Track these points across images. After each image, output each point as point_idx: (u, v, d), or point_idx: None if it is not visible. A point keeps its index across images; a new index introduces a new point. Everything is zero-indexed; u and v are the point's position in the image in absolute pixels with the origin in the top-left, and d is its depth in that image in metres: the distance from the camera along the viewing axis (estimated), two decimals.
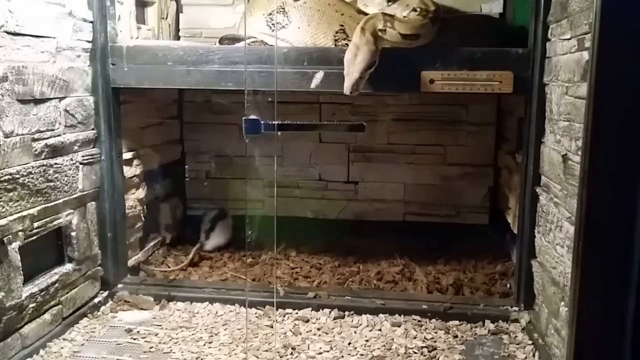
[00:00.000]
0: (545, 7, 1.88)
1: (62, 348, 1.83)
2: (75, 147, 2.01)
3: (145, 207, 2.52)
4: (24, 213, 1.74)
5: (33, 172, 1.78)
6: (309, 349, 1.85)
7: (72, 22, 1.97)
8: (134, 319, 2.04)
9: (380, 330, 1.98)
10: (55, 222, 1.90)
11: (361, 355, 1.82)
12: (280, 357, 1.80)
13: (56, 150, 1.90)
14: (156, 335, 1.93)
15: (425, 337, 1.92)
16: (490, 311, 2.07)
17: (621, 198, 1.15)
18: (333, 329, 1.98)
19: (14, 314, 1.69)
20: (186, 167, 3.03)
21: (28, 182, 1.75)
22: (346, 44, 1.98)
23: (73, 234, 2.00)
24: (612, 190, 1.16)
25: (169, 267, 2.49)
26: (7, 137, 1.66)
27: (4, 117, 1.64)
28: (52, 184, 1.88)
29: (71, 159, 1.99)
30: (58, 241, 1.98)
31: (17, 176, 1.70)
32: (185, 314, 2.09)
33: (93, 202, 2.13)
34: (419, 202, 2.94)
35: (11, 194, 1.68)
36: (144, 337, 1.91)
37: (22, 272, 1.72)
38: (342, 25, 2.08)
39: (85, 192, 2.08)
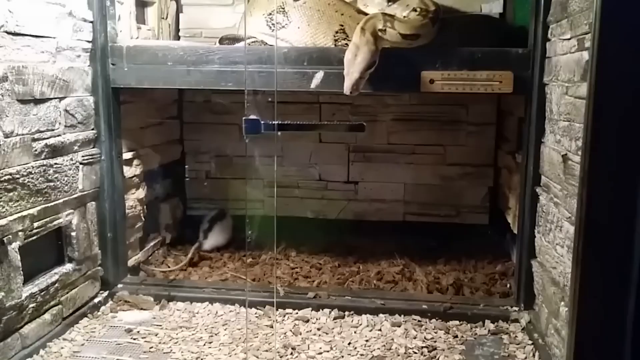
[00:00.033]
0: (545, 7, 1.88)
1: (62, 348, 1.83)
2: (75, 147, 2.01)
3: (145, 207, 2.52)
4: (24, 213, 1.74)
5: (33, 172, 1.78)
6: (309, 349, 1.85)
7: (72, 22, 1.97)
8: (134, 319, 2.04)
9: (380, 330, 1.98)
10: (55, 222, 1.90)
11: (361, 355, 1.82)
12: (280, 357, 1.80)
13: (56, 150, 1.90)
14: (156, 335, 1.93)
15: (425, 337, 1.92)
16: (490, 311, 2.07)
17: (621, 198, 1.15)
18: (333, 329, 1.98)
19: (14, 314, 1.69)
20: (186, 167, 3.03)
21: (28, 182, 1.75)
22: (346, 44, 1.98)
23: (73, 234, 2.00)
24: (612, 190, 1.16)
25: (169, 267, 2.49)
26: (7, 137, 1.66)
27: (4, 117, 1.64)
28: (52, 184, 1.88)
29: (71, 159, 1.99)
30: (58, 241, 1.98)
31: (17, 176, 1.70)
32: (185, 314, 2.09)
33: (93, 202, 2.13)
34: (419, 202, 2.94)
35: (11, 194, 1.68)
36: (144, 337, 1.91)
37: (22, 272, 1.72)
38: (342, 25, 2.08)
39: (85, 192, 2.08)
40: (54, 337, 1.87)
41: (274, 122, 1.81)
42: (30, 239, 1.77)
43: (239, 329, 1.97)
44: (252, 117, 1.80)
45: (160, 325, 2.00)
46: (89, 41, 2.07)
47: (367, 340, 1.91)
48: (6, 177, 1.65)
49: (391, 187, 2.94)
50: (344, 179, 2.97)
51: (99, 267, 2.17)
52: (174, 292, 2.21)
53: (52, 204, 1.88)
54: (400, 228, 2.91)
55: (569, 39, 1.67)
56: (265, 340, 1.89)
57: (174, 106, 2.94)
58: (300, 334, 1.94)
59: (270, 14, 2.19)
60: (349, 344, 1.89)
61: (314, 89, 2.03)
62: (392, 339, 1.91)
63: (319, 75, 2.01)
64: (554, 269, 1.76)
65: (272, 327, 1.99)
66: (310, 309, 2.11)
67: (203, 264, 2.54)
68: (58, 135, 1.91)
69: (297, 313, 2.09)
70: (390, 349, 1.86)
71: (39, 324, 1.81)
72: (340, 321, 2.04)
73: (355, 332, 1.97)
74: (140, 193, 2.47)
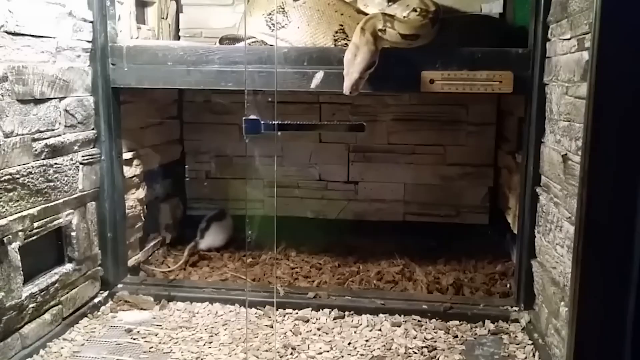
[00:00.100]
0: (545, 7, 1.88)
1: (62, 348, 1.83)
2: (75, 147, 2.01)
3: (145, 207, 2.52)
4: (24, 213, 1.74)
5: (33, 172, 1.78)
6: (309, 349, 1.85)
7: (72, 22, 1.97)
8: (134, 319, 2.04)
9: (380, 330, 1.98)
10: (55, 222, 1.90)
11: (361, 355, 1.82)
12: (280, 357, 1.80)
13: (56, 150, 1.90)
14: (156, 335, 1.93)
15: (425, 337, 1.92)
16: (490, 311, 2.07)
17: (621, 198, 1.15)
18: (333, 329, 1.98)
19: (14, 314, 1.69)
20: (186, 167, 3.03)
21: (28, 182, 1.75)
22: (346, 44, 1.98)
23: (73, 234, 2.00)
24: (612, 190, 1.16)
25: (169, 267, 2.49)
26: (7, 137, 1.66)
27: (4, 117, 1.64)
28: (52, 184, 1.88)
29: (71, 159, 1.99)
30: (58, 241, 1.98)
31: (17, 176, 1.70)
32: (185, 314, 2.09)
33: (93, 202, 2.13)
34: (419, 202, 2.94)
35: (11, 194, 1.68)
36: (144, 337, 1.91)
37: (22, 272, 1.72)
38: (342, 25, 2.08)
39: (85, 192, 2.08)
40: (54, 337, 1.87)
41: (274, 122, 1.81)
42: (30, 239, 1.77)
43: (239, 329, 1.97)
44: (252, 117, 1.80)
45: (160, 325, 2.00)
46: (89, 41, 2.07)
47: (367, 340, 1.91)
48: (6, 177, 1.65)
49: (391, 187, 2.94)
50: (344, 179, 2.97)
51: (99, 267, 2.17)
52: (174, 292, 2.21)
53: (52, 204, 1.88)
54: (400, 228, 2.91)
55: (569, 39, 1.67)
56: (265, 340, 1.89)
57: (174, 106, 2.94)
58: (300, 334, 1.94)
59: (270, 14, 2.19)
60: (349, 344, 1.89)
61: (314, 89, 2.03)
62: (392, 339, 1.91)
63: (319, 75, 2.01)
64: (554, 269, 1.76)
65: (272, 327, 1.99)
66: (310, 309, 2.11)
67: (203, 264, 2.54)
68: (58, 135, 1.91)
69: (297, 313, 2.09)
70: (390, 349, 1.86)
71: (39, 324, 1.81)
72: (340, 321, 2.04)
73: (355, 332, 1.97)
74: (140, 193, 2.47)
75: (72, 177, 2.00)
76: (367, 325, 2.01)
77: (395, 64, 1.95)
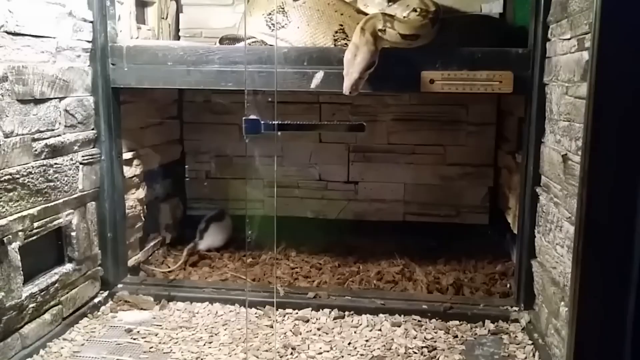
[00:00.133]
0: (545, 7, 1.88)
1: (62, 348, 1.83)
2: (75, 147, 2.01)
3: (145, 207, 2.52)
4: (24, 213, 1.74)
5: (33, 172, 1.78)
6: (309, 349, 1.85)
7: (72, 22, 1.97)
8: (134, 319, 2.04)
9: (380, 330, 1.98)
10: (55, 222, 1.90)
11: (361, 355, 1.82)
12: (280, 357, 1.80)
13: (56, 150, 1.90)
14: (156, 335, 1.93)
15: (425, 337, 1.92)
16: (490, 311, 2.07)
17: (621, 198, 1.15)
18: (333, 329, 1.98)
19: (14, 314, 1.69)
20: (186, 167, 3.03)
21: (28, 182, 1.75)
22: (346, 44, 1.98)
23: (73, 234, 2.00)
24: (612, 190, 1.16)
25: (169, 267, 2.49)
26: (7, 137, 1.66)
27: (4, 117, 1.64)
28: (52, 184, 1.88)
29: (71, 159, 1.99)
30: (58, 241, 1.98)
31: (17, 176, 1.70)
32: (185, 314, 2.09)
33: (93, 202, 2.13)
34: (419, 202, 2.94)
35: (11, 194, 1.68)
36: (144, 337, 1.91)
37: (22, 272, 1.72)
38: (342, 25, 2.08)
39: (85, 192, 2.08)
40: (54, 337, 1.87)
41: (274, 122, 1.81)
42: (30, 239, 1.77)
43: (239, 329, 1.97)
44: (252, 117, 1.80)
45: (160, 325, 2.00)
46: (89, 41, 2.07)
47: (367, 340, 1.91)
48: (6, 177, 1.65)
49: (391, 187, 2.94)
50: (344, 179, 2.97)
51: (99, 267, 2.17)
52: (174, 292, 2.21)
53: (52, 204, 1.88)
54: (400, 228, 2.91)
55: (569, 39, 1.67)
56: (265, 340, 1.89)
57: (174, 106, 2.94)
58: (300, 334, 1.94)
59: (270, 14, 2.19)
60: (349, 344, 1.89)
61: (314, 89, 2.03)
62: (392, 339, 1.91)
63: (319, 75, 2.01)
64: (554, 269, 1.76)
65: (272, 327, 1.99)
66: (310, 309, 2.11)
67: (203, 264, 2.54)
68: (58, 135, 1.91)
69: (297, 313, 2.09)
70: (390, 349, 1.86)
71: (39, 324, 1.81)
72: (340, 321, 2.04)
73: (355, 332, 1.97)
74: (140, 193, 2.47)
75: (72, 177, 2.00)
76: (367, 325, 2.01)
77: (395, 64, 1.95)
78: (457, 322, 2.04)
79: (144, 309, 2.12)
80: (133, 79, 2.12)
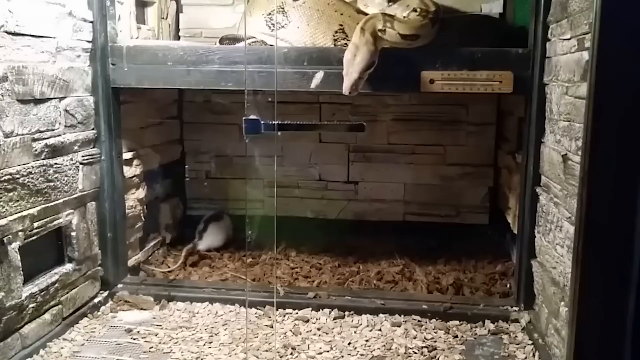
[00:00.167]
0: (545, 7, 1.88)
1: (62, 348, 1.83)
2: (75, 147, 2.01)
3: (145, 207, 2.52)
4: (24, 213, 1.74)
5: (33, 172, 1.78)
6: (309, 349, 1.85)
7: (72, 22, 1.97)
8: (134, 319, 2.04)
9: (380, 330, 1.98)
10: (55, 222, 1.90)
11: (361, 355, 1.82)
12: (280, 357, 1.80)
13: (56, 150, 1.90)
14: (156, 335, 1.93)
15: (425, 337, 1.92)
16: (490, 311, 2.07)
17: (621, 198, 1.15)
18: (333, 329, 1.98)
19: (14, 314, 1.69)
20: (186, 167, 3.03)
21: (28, 182, 1.75)
22: (345, 44, 1.98)
23: (73, 234, 2.00)
24: (612, 190, 1.16)
25: (169, 267, 2.49)
26: (7, 137, 1.66)
27: (4, 117, 1.64)
28: (52, 184, 1.88)
29: (71, 159, 1.99)
30: (58, 241, 1.98)
31: (17, 176, 1.70)
32: (185, 314, 2.09)
33: (93, 202, 2.13)
34: (419, 202, 2.94)
35: (11, 194, 1.68)
36: (144, 337, 1.91)
37: (22, 272, 1.72)
38: (342, 25, 2.08)
39: (85, 192, 2.08)
40: (54, 337, 1.87)
41: (274, 122, 1.81)
42: (30, 239, 1.77)
43: (239, 329, 1.97)
44: (252, 117, 1.80)
45: (160, 325, 2.00)
46: (89, 41, 2.07)
47: (367, 340, 1.91)
48: (6, 177, 1.65)
49: (391, 187, 2.94)
50: (344, 179, 2.97)
51: (99, 267, 2.17)
52: (174, 292, 2.20)
53: (52, 204, 1.88)
54: (400, 228, 2.91)
55: (569, 39, 1.67)
56: (265, 340, 1.89)
57: (174, 106, 2.94)
58: (300, 334, 1.94)
59: (270, 14, 2.19)
60: (349, 344, 1.89)
61: (314, 89, 2.03)
62: (392, 339, 1.91)
63: (319, 75, 2.01)
64: (554, 269, 1.76)
65: (272, 327, 1.99)
66: (310, 309, 2.11)
67: (203, 264, 2.54)
68: (58, 135, 1.91)
69: (297, 313, 2.09)
70: (390, 349, 1.86)
71: (39, 324, 1.81)
72: (340, 321, 2.04)
73: (355, 332, 1.97)
74: (140, 193, 2.47)
75: (72, 177, 2.00)
76: (367, 325, 2.01)
77: (395, 64, 1.95)
78: (457, 322, 2.03)
79: (144, 309, 2.12)
80: (133, 79, 2.12)
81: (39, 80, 1.80)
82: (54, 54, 1.88)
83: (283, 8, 2.15)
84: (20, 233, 1.71)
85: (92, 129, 2.12)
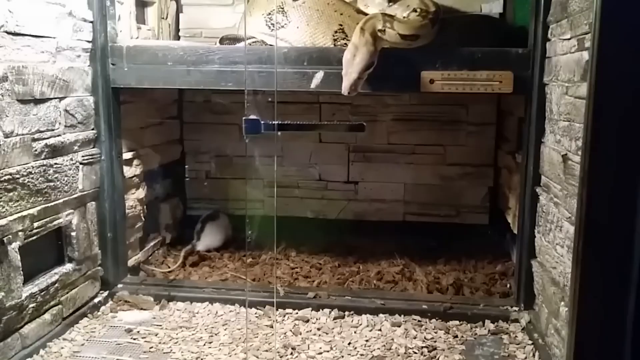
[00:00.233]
0: (545, 7, 1.88)
1: (62, 348, 1.84)
2: (75, 147, 2.01)
3: (145, 207, 2.52)
4: (24, 213, 1.74)
5: (33, 172, 1.78)
6: (309, 349, 1.85)
7: (72, 22, 1.97)
8: (134, 319, 2.04)
9: (380, 330, 1.98)
10: (55, 222, 1.90)
11: (361, 355, 1.82)
12: (280, 357, 1.80)
13: (56, 150, 1.90)
14: (156, 335, 1.93)
15: (425, 337, 1.92)
16: (490, 311, 2.07)
17: (621, 198, 1.15)
18: (333, 329, 1.98)
19: (14, 314, 1.69)
20: (186, 167, 3.03)
21: (28, 182, 1.75)
22: (345, 44, 1.98)
23: (73, 234, 2.00)
24: (612, 190, 1.16)
25: (169, 267, 2.50)
26: (7, 137, 1.66)
27: (4, 117, 1.64)
28: (52, 184, 1.88)
29: (71, 159, 1.99)
30: (58, 241, 1.98)
31: (17, 176, 1.70)
32: (185, 314, 2.09)
33: (93, 202, 2.13)
34: (419, 202, 2.94)
35: (11, 194, 1.68)
36: (144, 337, 1.91)
37: (22, 272, 1.72)
38: (341, 25, 2.08)
39: (85, 192, 2.08)
40: (54, 337, 1.87)
41: (274, 122, 1.81)
42: (30, 239, 1.77)
43: (239, 329, 1.97)
44: (252, 117, 1.80)
45: (160, 325, 2.00)
46: (89, 41, 2.07)
47: (367, 340, 1.91)
48: (6, 177, 1.65)
49: (391, 187, 2.94)
50: (344, 179, 2.97)
51: (99, 267, 2.17)
52: (174, 292, 2.20)
53: (52, 204, 1.88)
54: (400, 228, 2.91)
55: (569, 39, 1.67)
56: (265, 340, 1.89)
57: (174, 106, 2.94)
58: (300, 334, 1.94)
59: (270, 14, 2.19)
60: (349, 344, 1.89)
61: (314, 89, 2.03)
62: (392, 339, 1.91)
63: (319, 75, 2.01)
64: (554, 269, 1.76)
65: (272, 327, 1.99)
66: (310, 309, 2.11)
67: (203, 264, 2.54)
68: (58, 135, 1.91)
69: (297, 313, 2.09)
70: (390, 349, 1.86)
71: (39, 324, 1.81)
72: (340, 321, 2.04)
73: (355, 332, 1.97)
74: (140, 193, 2.48)
75: (72, 177, 2.00)
76: (367, 325, 2.01)
77: (395, 64, 1.95)
78: (457, 322, 2.03)
79: (144, 309, 2.12)
80: (133, 79, 2.12)
81: (39, 80, 1.80)
82: (54, 54, 1.88)
83: (283, 8, 2.15)
84: (20, 233, 1.71)
85: (92, 129, 2.12)
